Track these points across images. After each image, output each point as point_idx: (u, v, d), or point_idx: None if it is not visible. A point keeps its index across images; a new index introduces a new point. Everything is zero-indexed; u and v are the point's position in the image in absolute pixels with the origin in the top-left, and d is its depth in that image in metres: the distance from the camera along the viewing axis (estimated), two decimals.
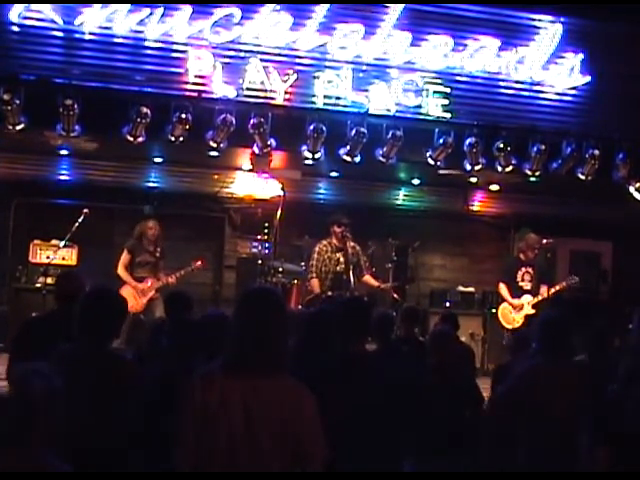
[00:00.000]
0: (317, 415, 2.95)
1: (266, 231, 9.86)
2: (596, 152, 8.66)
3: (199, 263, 8.63)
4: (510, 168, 8.61)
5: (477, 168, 8.59)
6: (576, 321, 4.79)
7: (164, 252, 8.55)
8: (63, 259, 9.01)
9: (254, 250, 10.04)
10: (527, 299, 8.76)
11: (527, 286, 8.87)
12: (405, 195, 10.94)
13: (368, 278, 8.61)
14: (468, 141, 8.43)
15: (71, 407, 3.53)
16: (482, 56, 8.81)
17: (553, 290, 8.76)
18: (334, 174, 10.05)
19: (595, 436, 3.75)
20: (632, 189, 9.13)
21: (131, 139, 7.72)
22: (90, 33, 7.85)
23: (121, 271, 8.30)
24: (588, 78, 9.10)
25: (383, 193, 10.86)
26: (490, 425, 4.92)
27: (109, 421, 3.61)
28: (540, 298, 8.68)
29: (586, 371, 4.68)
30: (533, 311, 8.63)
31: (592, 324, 5.36)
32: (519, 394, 4.43)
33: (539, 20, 9.04)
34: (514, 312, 8.79)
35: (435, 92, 8.63)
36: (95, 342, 3.83)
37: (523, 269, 8.90)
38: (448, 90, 8.68)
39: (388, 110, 8.44)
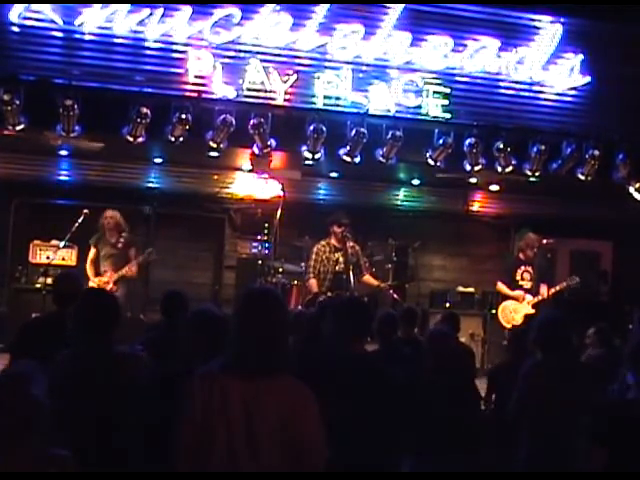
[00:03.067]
0: (317, 415, 2.95)
1: (266, 231, 9.87)
2: (596, 152, 8.66)
3: (150, 251, 8.34)
4: (510, 168, 8.61)
5: (477, 168, 8.59)
6: (576, 321, 4.80)
7: (129, 242, 8.33)
8: (63, 259, 9.01)
9: (254, 250, 10.04)
10: (527, 299, 8.76)
11: (527, 285, 8.87)
12: (405, 195, 10.95)
13: (368, 278, 8.62)
14: (468, 141, 8.43)
15: (79, 407, 3.57)
16: (482, 56, 8.81)
17: (553, 290, 8.75)
18: (334, 174, 10.06)
19: (591, 436, 3.75)
20: (632, 189, 9.13)
21: (131, 139, 7.72)
22: (90, 33, 7.85)
23: (87, 267, 8.24)
24: (588, 78, 9.10)
25: (383, 193, 10.88)
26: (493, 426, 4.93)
27: (119, 420, 3.62)
28: (540, 298, 8.68)
29: (585, 370, 4.69)
30: (533, 311, 8.63)
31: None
32: (526, 397, 4.45)
33: (539, 20, 9.04)
34: (514, 312, 8.79)
35: (435, 92, 8.63)
36: (101, 341, 3.85)
37: (522, 268, 8.90)
38: (448, 90, 8.68)
39: (388, 110, 8.44)
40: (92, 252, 8.31)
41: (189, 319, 3.85)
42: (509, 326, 8.86)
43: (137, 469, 3.58)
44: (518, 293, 8.75)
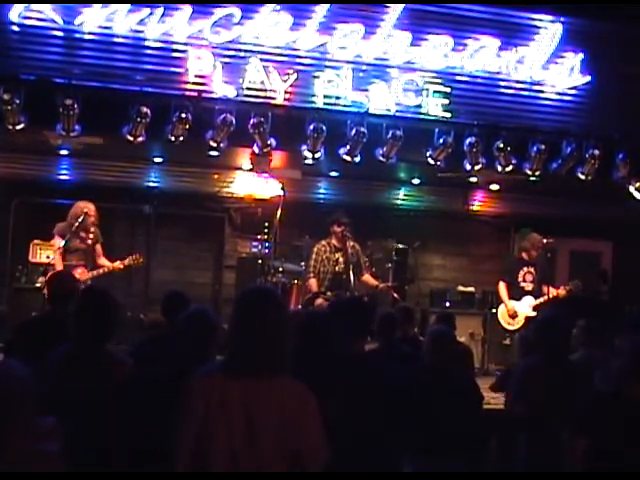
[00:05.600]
0: (317, 416, 2.95)
1: (266, 231, 9.86)
2: (596, 152, 8.65)
3: (136, 257, 8.13)
4: (510, 168, 8.60)
5: (477, 168, 8.58)
6: (575, 320, 4.81)
7: (98, 236, 8.06)
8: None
9: (254, 250, 10.03)
10: (528, 301, 8.73)
11: (528, 287, 8.84)
12: (405, 195, 10.95)
13: (367, 277, 8.62)
14: (468, 141, 8.42)
15: (68, 408, 3.57)
16: (482, 56, 8.80)
17: (555, 294, 8.71)
18: (334, 174, 10.06)
19: (575, 430, 3.77)
20: (632, 189, 9.13)
21: (131, 139, 7.71)
22: (90, 33, 7.84)
23: (56, 257, 7.87)
24: (588, 78, 9.09)
25: (383, 193, 10.87)
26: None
27: (106, 422, 3.62)
28: (541, 300, 8.66)
29: (585, 370, 4.69)
30: (534, 313, 8.60)
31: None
32: (524, 397, 4.45)
33: (539, 20, 9.04)
34: (514, 313, 8.77)
35: (435, 92, 8.62)
36: (92, 342, 3.85)
37: (525, 269, 8.89)
38: (448, 90, 8.67)
39: (388, 110, 8.43)
40: (58, 242, 7.92)
41: (181, 320, 3.84)
42: (509, 327, 8.84)
43: (123, 469, 3.57)
44: (511, 305, 8.75)
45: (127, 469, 3.54)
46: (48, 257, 8.84)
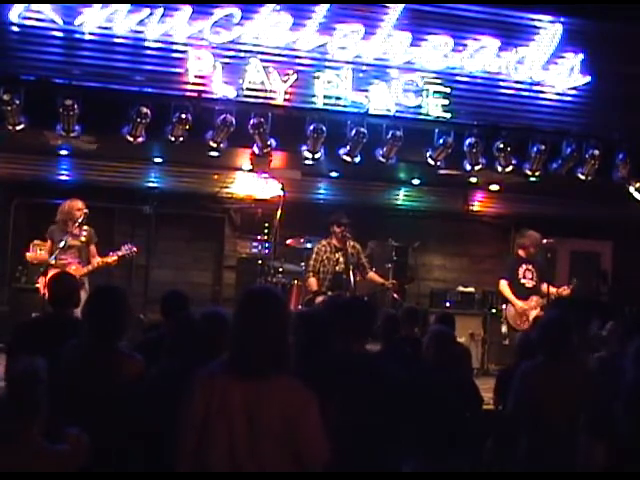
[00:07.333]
0: (318, 416, 2.95)
1: (266, 231, 9.87)
2: (596, 152, 8.65)
3: (130, 247, 8.03)
4: (510, 168, 8.60)
5: (477, 168, 8.58)
6: (576, 321, 4.80)
7: (92, 235, 7.98)
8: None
9: (254, 250, 10.04)
10: (535, 300, 8.63)
11: (529, 284, 8.78)
12: (405, 195, 10.96)
13: (373, 275, 8.65)
14: (468, 141, 8.43)
15: (79, 404, 3.59)
16: (482, 56, 8.80)
17: (556, 292, 8.67)
18: (334, 174, 10.07)
19: (593, 435, 3.75)
20: (632, 189, 9.13)
21: (131, 139, 7.71)
22: (90, 33, 7.84)
23: (42, 256, 7.92)
24: (588, 78, 9.09)
25: (383, 193, 10.88)
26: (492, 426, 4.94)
27: (115, 419, 3.63)
28: (546, 300, 8.60)
29: (587, 370, 4.69)
30: (541, 313, 8.52)
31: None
32: (525, 398, 4.44)
33: (539, 20, 9.04)
34: (524, 314, 8.62)
35: (435, 92, 8.62)
36: (105, 339, 3.87)
37: (524, 266, 8.83)
38: (448, 90, 8.67)
39: (388, 110, 8.43)
40: (49, 244, 7.89)
41: (199, 320, 3.85)
42: (519, 328, 8.63)
43: (137, 469, 3.58)
44: (521, 306, 8.61)
45: (131, 468, 3.55)
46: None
